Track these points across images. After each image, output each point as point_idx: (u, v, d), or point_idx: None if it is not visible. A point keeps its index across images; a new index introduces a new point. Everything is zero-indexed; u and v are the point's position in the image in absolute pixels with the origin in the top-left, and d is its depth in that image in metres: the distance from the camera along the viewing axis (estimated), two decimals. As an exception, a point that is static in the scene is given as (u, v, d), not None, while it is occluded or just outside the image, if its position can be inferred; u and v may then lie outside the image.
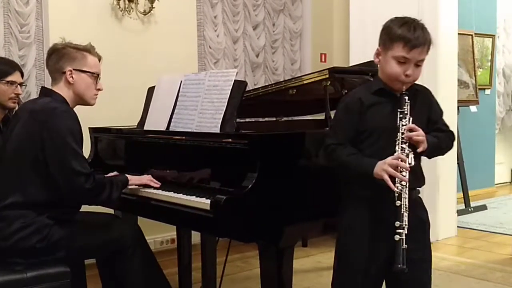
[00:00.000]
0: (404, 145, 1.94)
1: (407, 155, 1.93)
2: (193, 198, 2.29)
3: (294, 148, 2.39)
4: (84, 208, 2.59)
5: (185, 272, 3.21)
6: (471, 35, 6.12)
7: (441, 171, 4.61)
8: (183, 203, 2.32)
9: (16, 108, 3.18)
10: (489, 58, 6.72)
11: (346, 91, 3.27)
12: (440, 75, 4.55)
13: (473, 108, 6.19)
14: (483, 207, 5.90)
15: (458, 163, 5.35)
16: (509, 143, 7.64)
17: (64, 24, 3.67)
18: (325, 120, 3.05)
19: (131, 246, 2.51)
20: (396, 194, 1.90)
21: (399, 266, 1.86)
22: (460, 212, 5.31)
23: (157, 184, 2.57)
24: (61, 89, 2.51)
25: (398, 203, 1.89)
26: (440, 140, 2.08)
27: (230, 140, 2.36)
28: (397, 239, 1.87)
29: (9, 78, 2.98)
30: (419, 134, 1.96)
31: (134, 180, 2.57)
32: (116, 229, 2.57)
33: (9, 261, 2.32)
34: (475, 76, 6.13)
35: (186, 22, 4.33)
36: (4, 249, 2.33)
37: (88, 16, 3.83)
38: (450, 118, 4.77)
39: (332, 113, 3.09)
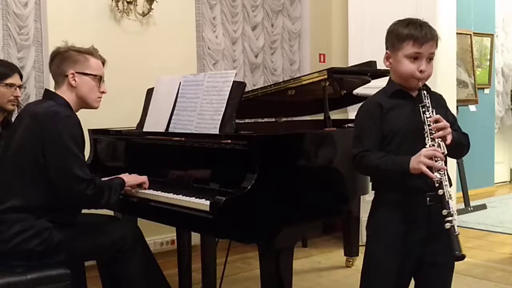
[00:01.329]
0: (432, 136, 1.93)
1: (439, 145, 1.92)
2: (193, 199, 2.29)
3: (293, 148, 2.39)
4: (84, 209, 2.59)
5: (185, 273, 3.21)
6: (470, 34, 6.12)
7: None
8: (183, 204, 2.33)
9: (15, 110, 3.19)
10: (488, 57, 6.73)
11: (345, 92, 3.29)
12: (439, 75, 4.55)
13: (472, 108, 6.20)
14: (483, 207, 5.91)
15: (457, 162, 5.35)
16: (509, 142, 7.64)
17: (63, 26, 3.67)
18: (324, 121, 3.06)
19: (131, 248, 2.51)
20: (437, 184, 1.87)
21: (456, 253, 1.81)
22: (460, 212, 5.32)
23: (147, 184, 2.61)
24: (64, 93, 2.50)
25: (440, 191, 1.87)
26: (459, 136, 2.09)
27: (229, 141, 2.37)
28: (448, 227, 1.83)
29: (8, 81, 2.98)
30: (446, 125, 1.94)
31: (130, 181, 2.58)
32: (116, 230, 2.57)
33: (9, 264, 2.31)
34: (474, 75, 6.14)
35: (185, 24, 4.33)
36: (4, 252, 2.32)
37: (87, 17, 3.83)
38: (449, 117, 4.79)
39: (331, 114, 3.12)
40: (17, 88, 3.03)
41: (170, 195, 2.43)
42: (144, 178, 2.62)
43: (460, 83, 5.87)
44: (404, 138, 2.01)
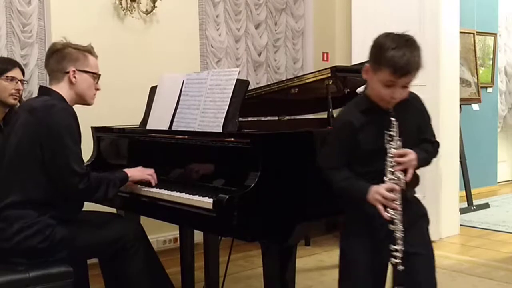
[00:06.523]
0: (393, 169, 1.95)
1: (398, 179, 1.95)
2: (196, 197, 2.29)
3: (296, 147, 2.39)
4: (86, 206, 2.59)
5: (187, 271, 3.21)
6: (473, 33, 6.11)
7: (444, 169, 4.61)
8: (186, 202, 2.33)
9: (18, 105, 3.20)
10: (491, 56, 6.71)
11: (348, 90, 3.28)
12: (442, 74, 4.55)
13: (475, 107, 6.19)
14: (486, 206, 5.91)
15: (460, 161, 5.34)
16: (511, 141, 7.63)
17: (66, 24, 3.67)
18: (327, 119, 3.05)
19: (133, 245, 2.51)
20: (389, 220, 1.93)
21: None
22: (462, 211, 5.31)
23: (155, 181, 2.59)
24: (62, 89, 2.51)
25: (391, 227, 1.93)
26: (429, 154, 2.12)
27: (232, 139, 2.36)
28: (393, 262, 1.92)
29: (9, 74, 2.99)
30: (409, 160, 1.97)
31: (135, 176, 2.58)
32: (118, 228, 2.57)
33: (12, 261, 2.31)
34: (477, 74, 6.13)
35: (188, 22, 4.33)
36: (6, 250, 2.32)
37: (90, 15, 3.84)
38: (452, 116, 4.79)
39: (335, 112, 3.11)
40: (19, 82, 3.04)
41: (173, 193, 2.43)
42: (150, 172, 2.61)
43: (463, 82, 5.86)
44: (374, 156, 2.01)
